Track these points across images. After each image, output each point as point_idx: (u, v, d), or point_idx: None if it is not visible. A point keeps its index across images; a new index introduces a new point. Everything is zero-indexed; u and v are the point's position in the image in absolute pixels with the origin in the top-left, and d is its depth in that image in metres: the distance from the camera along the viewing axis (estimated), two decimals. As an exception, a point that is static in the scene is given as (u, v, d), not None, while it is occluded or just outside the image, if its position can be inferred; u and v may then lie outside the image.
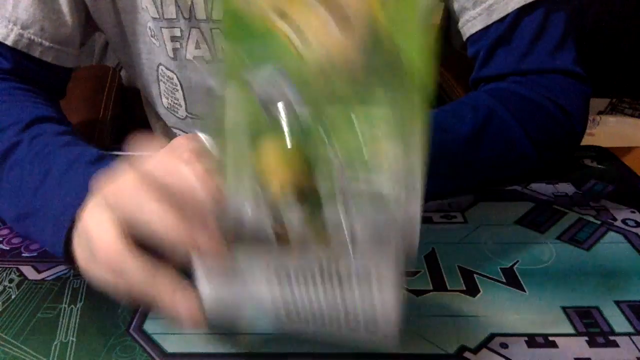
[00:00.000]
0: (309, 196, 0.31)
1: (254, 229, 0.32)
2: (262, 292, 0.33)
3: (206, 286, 0.34)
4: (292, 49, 0.29)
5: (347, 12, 0.28)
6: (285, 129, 0.30)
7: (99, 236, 0.34)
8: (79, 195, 0.42)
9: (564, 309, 0.42)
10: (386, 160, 0.31)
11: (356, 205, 0.31)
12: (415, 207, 0.31)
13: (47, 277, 0.45)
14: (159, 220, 0.32)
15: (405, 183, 0.32)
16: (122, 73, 0.98)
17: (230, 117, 0.30)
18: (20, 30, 0.58)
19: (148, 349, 0.38)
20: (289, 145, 0.30)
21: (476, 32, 0.61)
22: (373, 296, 0.32)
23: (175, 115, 0.73)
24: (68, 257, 0.42)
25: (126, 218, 0.34)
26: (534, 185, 0.59)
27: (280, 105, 0.30)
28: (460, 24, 0.63)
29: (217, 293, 0.34)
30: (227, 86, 0.30)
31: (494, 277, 0.45)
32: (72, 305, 0.42)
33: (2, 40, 0.58)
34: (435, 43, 0.29)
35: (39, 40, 0.59)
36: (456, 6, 0.62)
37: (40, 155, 0.48)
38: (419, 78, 0.29)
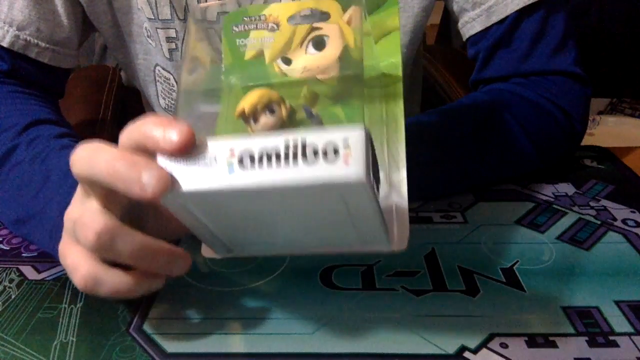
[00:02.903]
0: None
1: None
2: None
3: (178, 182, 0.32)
4: (281, 74, 0.38)
5: (330, 53, 0.39)
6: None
7: (84, 224, 0.34)
8: None
9: (564, 309, 0.42)
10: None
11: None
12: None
13: (47, 277, 0.45)
14: (106, 163, 0.32)
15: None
16: (122, 73, 0.98)
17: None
18: (16, 32, 0.58)
19: (148, 349, 0.38)
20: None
21: (476, 34, 0.61)
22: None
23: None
24: None
25: (88, 182, 0.34)
26: (534, 185, 0.59)
27: None
28: (459, 25, 0.63)
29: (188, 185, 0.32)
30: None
31: (494, 277, 0.45)
32: (72, 305, 0.42)
33: None
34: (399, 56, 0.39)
35: (35, 41, 0.59)
36: (455, 7, 0.62)
37: (37, 159, 0.48)
38: (382, 83, 0.38)
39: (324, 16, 0.39)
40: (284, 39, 0.39)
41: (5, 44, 0.58)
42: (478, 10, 0.60)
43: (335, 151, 0.29)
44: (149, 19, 0.63)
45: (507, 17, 0.59)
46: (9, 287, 0.44)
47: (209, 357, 0.38)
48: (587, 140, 0.65)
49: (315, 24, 0.40)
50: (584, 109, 0.61)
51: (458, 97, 0.89)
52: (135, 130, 0.32)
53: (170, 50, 0.65)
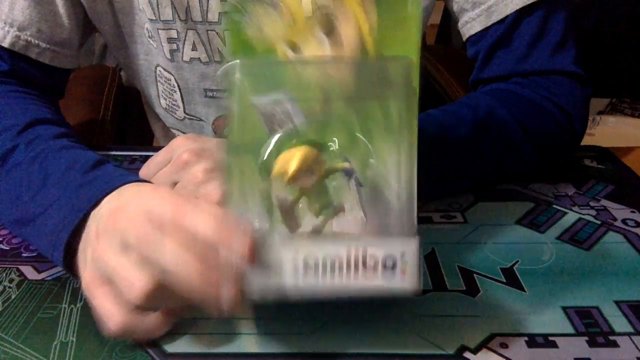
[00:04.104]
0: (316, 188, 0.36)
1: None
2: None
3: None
4: (294, 72, 0.36)
5: (343, 40, 0.36)
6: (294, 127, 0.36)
7: (128, 280, 0.35)
8: (75, 206, 0.42)
9: (564, 309, 0.42)
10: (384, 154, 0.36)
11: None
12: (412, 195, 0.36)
13: (47, 277, 0.45)
14: (183, 272, 0.34)
15: (400, 173, 0.36)
16: (122, 73, 0.98)
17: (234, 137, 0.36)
18: (17, 32, 0.58)
19: (148, 349, 0.38)
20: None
21: (475, 34, 0.61)
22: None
23: (173, 116, 0.73)
24: (66, 265, 0.42)
25: (151, 263, 0.35)
26: (534, 185, 0.59)
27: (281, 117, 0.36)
28: (459, 25, 0.63)
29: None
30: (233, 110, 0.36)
31: (494, 277, 0.45)
32: (72, 305, 0.42)
33: None
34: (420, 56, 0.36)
35: (36, 42, 0.59)
36: (455, 7, 0.62)
37: (37, 160, 0.48)
38: (403, 87, 0.36)
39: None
40: (288, 14, 0.36)
41: (5, 45, 0.58)
42: (478, 10, 0.60)
43: (394, 263, 0.33)
44: (150, 19, 0.63)
45: (507, 16, 0.59)
46: (9, 287, 0.44)
47: (209, 357, 0.38)
48: (587, 140, 0.65)
49: (322, 3, 0.37)
50: (584, 109, 0.61)
51: (458, 97, 0.89)
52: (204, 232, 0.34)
53: (172, 51, 0.65)
